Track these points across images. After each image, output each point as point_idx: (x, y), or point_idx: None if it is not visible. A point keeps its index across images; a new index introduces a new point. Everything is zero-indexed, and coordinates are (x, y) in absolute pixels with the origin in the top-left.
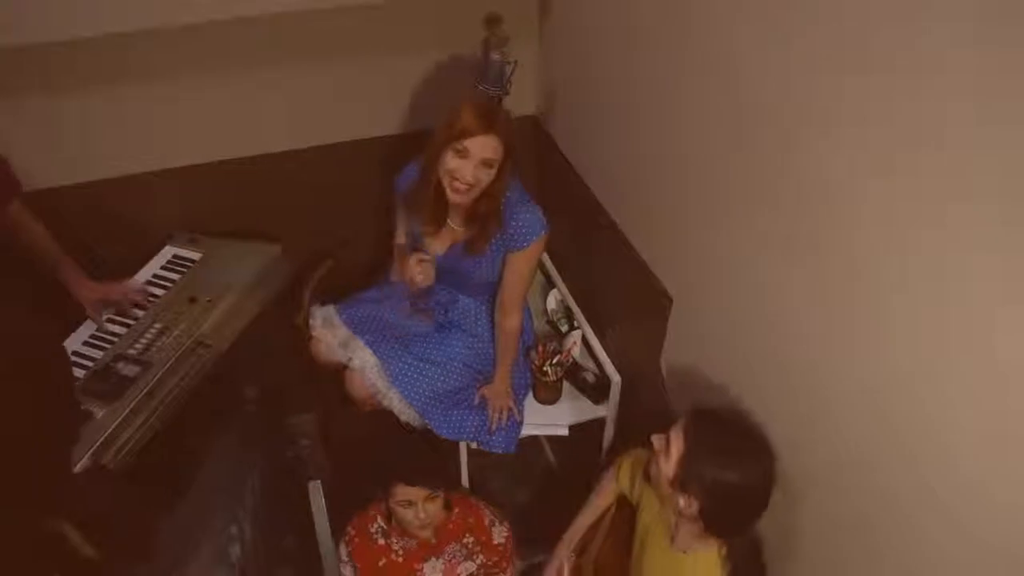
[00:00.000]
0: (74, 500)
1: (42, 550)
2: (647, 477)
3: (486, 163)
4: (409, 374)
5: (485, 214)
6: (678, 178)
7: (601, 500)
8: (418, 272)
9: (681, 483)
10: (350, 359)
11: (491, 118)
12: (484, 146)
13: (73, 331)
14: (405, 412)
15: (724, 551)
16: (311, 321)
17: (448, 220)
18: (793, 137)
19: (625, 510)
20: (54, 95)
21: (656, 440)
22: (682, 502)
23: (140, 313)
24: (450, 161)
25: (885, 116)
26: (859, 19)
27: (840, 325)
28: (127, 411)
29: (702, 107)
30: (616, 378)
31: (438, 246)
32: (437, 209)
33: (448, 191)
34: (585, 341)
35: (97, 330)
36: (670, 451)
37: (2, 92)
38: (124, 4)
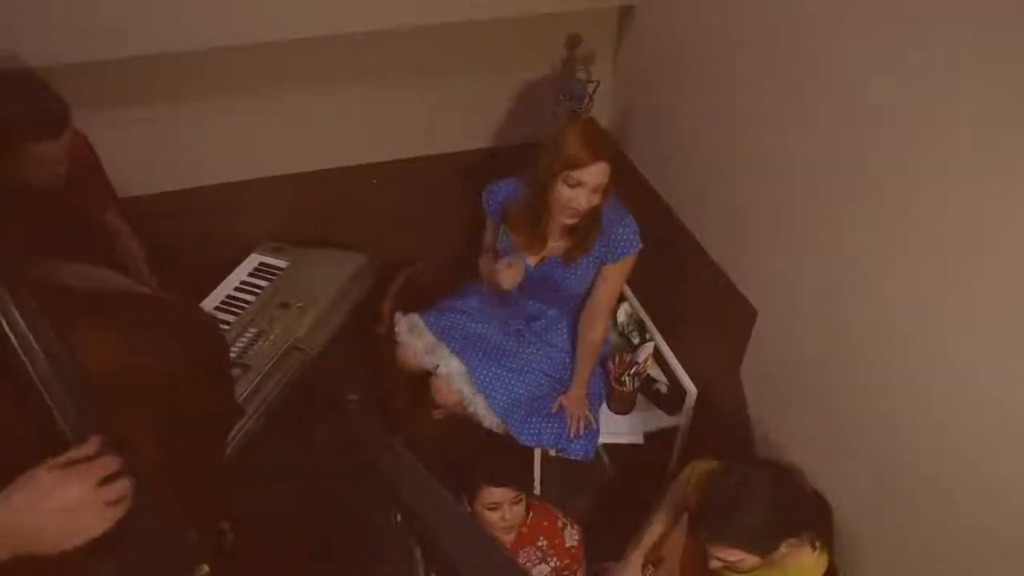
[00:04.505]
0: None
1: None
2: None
3: (598, 189)
4: (494, 382)
5: (586, 226)
6: (766, 192)
7: (674, 508)
8: (507, 276)
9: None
10: (436, 366)
11: (598, 144)
12: (596, 173)
13: None
14: (488, 418)
15: (817, 544)
16: (396, 327)
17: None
18: (897, 152)
19: None
20: (148, 106)
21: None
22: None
23: (232, 319)
24: (563, 192)
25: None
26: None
27: (934, 343)
28: None
29: (796, 122)
30: (692, 390)
31: (531, 258)
32: (542, 231)
33: (561, 216)
34: (657, 352)
35: None
36: (736, 563)
37: (98, 103)
38: (216, 20)
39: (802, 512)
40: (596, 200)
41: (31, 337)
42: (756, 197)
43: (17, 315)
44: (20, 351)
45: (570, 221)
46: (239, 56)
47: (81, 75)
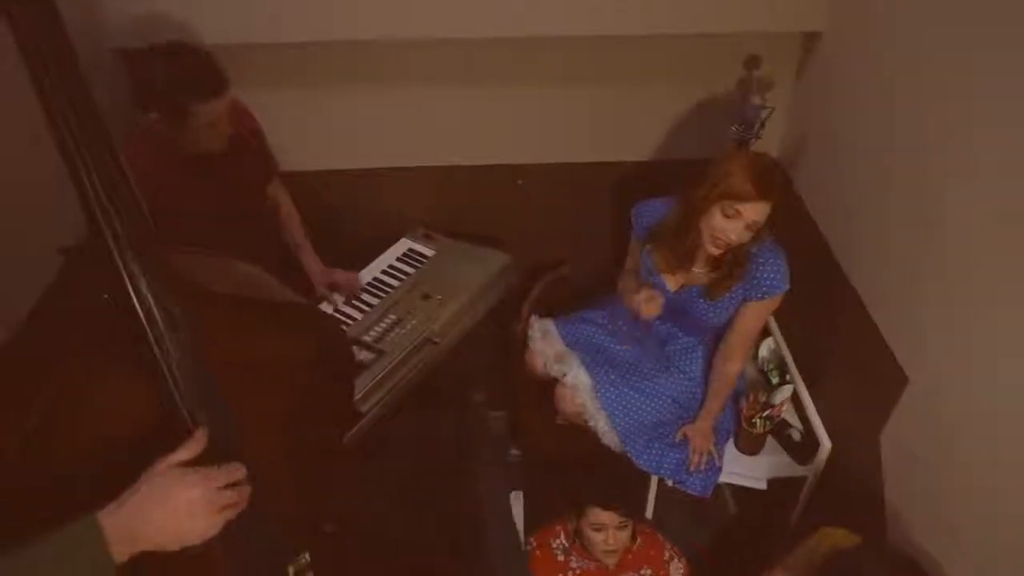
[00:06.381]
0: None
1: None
2: None
3: (752, 227)
4: (619, 401)
5: (732, 262)
6: (939, 251)
7: (798, 572)
8: (647, 308)
9: None
10: (564, 375)
11: (766, 183)
12: (756, 211)
13: None
14: (607, 436)
15: None
16: (529, 332)
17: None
18: None
19: None
20: (322, 88)
21: None
22: None
23: (374, 301)
24: (717, 220)
25: None
26: None
27: None
28: (359, 396)
29: (976, 176)
30: (827, 443)
31: (671, 283)
32: (688, 254)
33: (707, 243)
34: (795, 396)
35: (333, 310)
36: None
37: (273, 81)
38: (403, 15)
39: None
40: (747, 237)
41: (165, 330)
42: (926, 257)
43: (155, 309)
44: (154, 343)
45: (715, 251)
46: (416, 50)
47: (246, 55)
